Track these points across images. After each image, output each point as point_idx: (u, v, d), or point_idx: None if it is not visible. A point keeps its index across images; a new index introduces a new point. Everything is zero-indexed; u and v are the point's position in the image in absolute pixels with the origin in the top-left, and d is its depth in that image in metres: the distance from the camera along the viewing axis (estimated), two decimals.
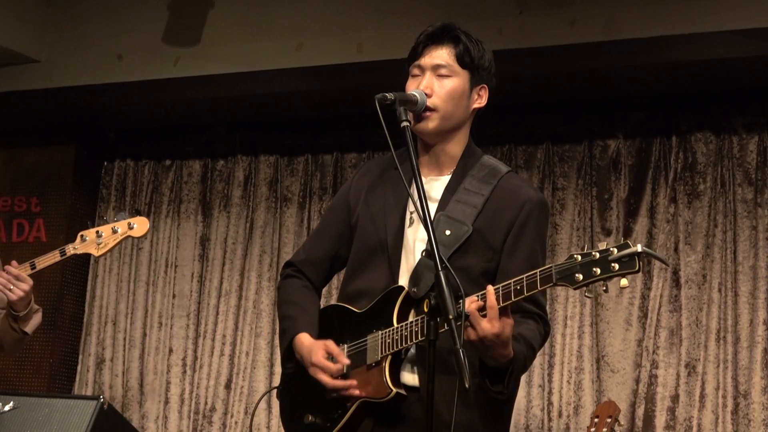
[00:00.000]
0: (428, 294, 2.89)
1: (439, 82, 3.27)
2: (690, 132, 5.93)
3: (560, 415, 5.86)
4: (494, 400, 3.13)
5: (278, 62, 6.19)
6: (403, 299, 3.16)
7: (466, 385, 2.66)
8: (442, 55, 3.30)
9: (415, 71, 3.34)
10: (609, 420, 4.83)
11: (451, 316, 2.74)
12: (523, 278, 2.87)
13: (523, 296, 2.88)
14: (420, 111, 3.22)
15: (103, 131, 7.26)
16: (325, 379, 3.19)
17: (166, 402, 6.79)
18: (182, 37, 6.45)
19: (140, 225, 4.24)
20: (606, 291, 2.78)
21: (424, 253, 3.14)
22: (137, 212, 4.25)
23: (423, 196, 2.96)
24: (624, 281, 2.70)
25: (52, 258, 4.45)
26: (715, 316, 5.69)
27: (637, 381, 5.78)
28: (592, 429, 4.85)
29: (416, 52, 3.35)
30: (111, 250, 4.32)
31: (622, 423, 5.01)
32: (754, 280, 5.66)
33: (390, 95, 3.10)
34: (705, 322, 5.71)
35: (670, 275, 5.82)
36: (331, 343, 3.25)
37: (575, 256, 2.76)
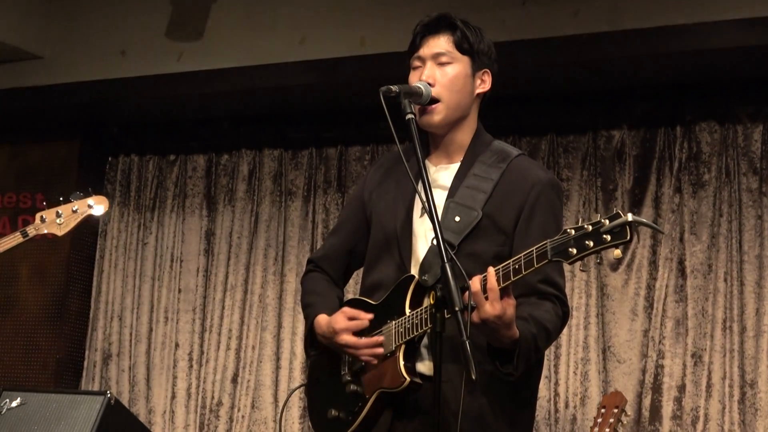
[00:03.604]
0: (436, 285, 2.89)
1: (440, 71, 3.28)
2: (694, 122, 5.93)
3: (567, 406, 5.86)
4: (512, 389, 3.12)
5: (281, 56, 6.19)
6: (414, 288, 3.17)
7: (473, 377, 2.67)
8: (440, 44, 3.30)
9: (416, 63, 3.34)
10: (616, 410, 4.83)
11: (457, 308, 2.74)
12: (520, 257, 2.87)
13: (521, 275, 2.86)
14: (425, 103, 3.23)
15: (107, 127, 7.26)
16: (351, 340, 3.21)
17: (173, 396, 6.80)
18: (185, 31, 6.45)
19: (99, 203, 4.25)
20: (600, 263, 2.79)
21: (433, 242, 3.13)
22: (95, 191, 4.24)
23: (429, 189, 2.96)
24: (617, 251, 2.70)
25: (13, 240, 4.44)
26: (720, 306, 5.69)
27: (644, 371, 5.78)
28: (599, 419, 4.85)
29: (415, 44, 3.36)
30: (73, 229, 4.31)
31: (629, 413, 5.01)
32: (760, 269, 5.66)
33: (394, 88, 3.10)
34: (711, 311, 5.70)
35: (676, 265, 5.82)
36: (347, 308, 3.27)
37: (569, 230, 2.76)
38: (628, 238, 2.66)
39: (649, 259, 5.89)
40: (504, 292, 2.89)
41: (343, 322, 3.24)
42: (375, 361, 3.20)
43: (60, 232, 4.30)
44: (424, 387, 3.13)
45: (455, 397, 2.99)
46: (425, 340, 3.17)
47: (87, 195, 4.24)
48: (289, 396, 6.48)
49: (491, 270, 2.89)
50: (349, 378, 3.28)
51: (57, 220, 4.26)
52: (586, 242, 2.72)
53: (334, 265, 3.56)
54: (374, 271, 3.37)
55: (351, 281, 3.78)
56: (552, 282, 3.17)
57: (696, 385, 5.67)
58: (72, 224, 4.29)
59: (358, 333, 3.25)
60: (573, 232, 2.75)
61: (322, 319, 3.33)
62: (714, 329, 5.68)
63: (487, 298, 2.88)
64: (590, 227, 2.72)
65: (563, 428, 5.85)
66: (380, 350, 3.17)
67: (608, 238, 2.69)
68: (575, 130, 6.17)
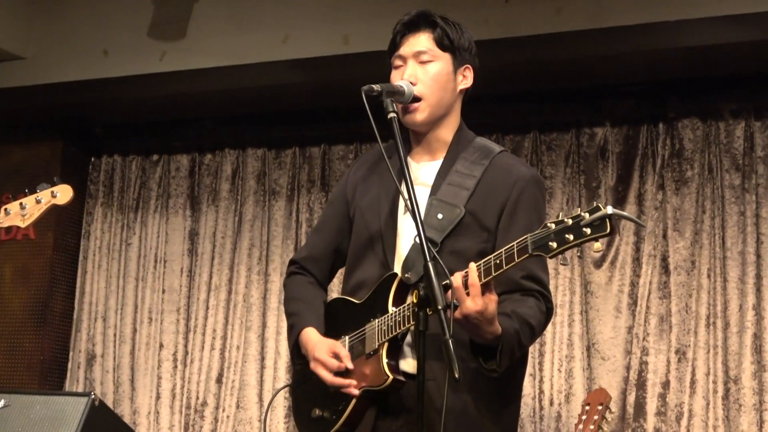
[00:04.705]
0: (418, 283, 2.89)
1: (422, 69, 3.28)
2: (677, 119, 5.94)
3: (551, 403, 5.87)
4: (496, 386, 3.13)
5: (264, 55, 6.18)
6: (397, 285, 3.17)
7: (456, 375, 2.67)
8: (421, 42, 3.30)
9: (397, 62, 3.34)
10: (600, 407, 4.84)
11: (439, 306, 2.74)
12: (501, 252, 2.87)
13: (503, 270, 2.86)
14: (407, 101, 3.22)
15: (90, 127, 7.24)
16: (324, 375, 3.22)
17: (158, 397, 6.79)
18: (168, 31, 6.43)
19: (63, 193, 4.21)
20: (581, 257, 2.79)
21: (416, 239, 3.13)
22: (59, 181, 4.20)
23: (411, 187, 2.96)
24: (597, 244, 2.70)
25: None
26: (704, 302, 5.70)
27: (628, 368, 5.79)
28: (584, 417, 4.86)
29: (395, 43, 3.36)
30: (37, 220, 4.28)
31: (614, 410, 5.02)
32: (743, 266, 5.68)
33: (377, 87, 3.10)
34: (694, 308, 5.72)
35: (659, 262, 5.83)
36: (337, 345, 3.27)
37: (549, 224, 2.76)
38: (608, 231, 2.67)
39: (632, 256, 5.90)
40: (485, 288, 2.89)
41: (323, 354, 3.25)
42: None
43: (23, 224, 4.26)
44: (407, 385, 3.13)
45: (439, 394, 3.00)
46: (409, 338, 3.17)
47: (51, 185, 4.20)
48: (274, 396, 6.47)
49: (472, 266, 2.90)
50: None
51: (21, 212, 4.22)
52: (566, 236, 2.73)
53: (317, 266, 3.55)
54: (358, 270, 3.37)
55: (335, 279, 3.77)
56: (535, 278, 3.18)
57: (680, 382, 5.68)
58: (36, 214, 4.25)
59: (341, 331, 3.26)
60: (553, 226, 2.75)
61: (312, 334, 3.33)
62: (698, 325, 5.70)
63: (468, 294, 2.88)
64: (570, 221, 2.72)
65: (548, 426, 5.86)
66: (355, 392, 3.19)
67: (588, 231, 2.69)
68: (558, 127, 6.18)
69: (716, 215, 5.76)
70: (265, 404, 6.47)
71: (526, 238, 2.80)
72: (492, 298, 2.90)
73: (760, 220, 5.69)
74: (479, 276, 2.88)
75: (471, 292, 2.87)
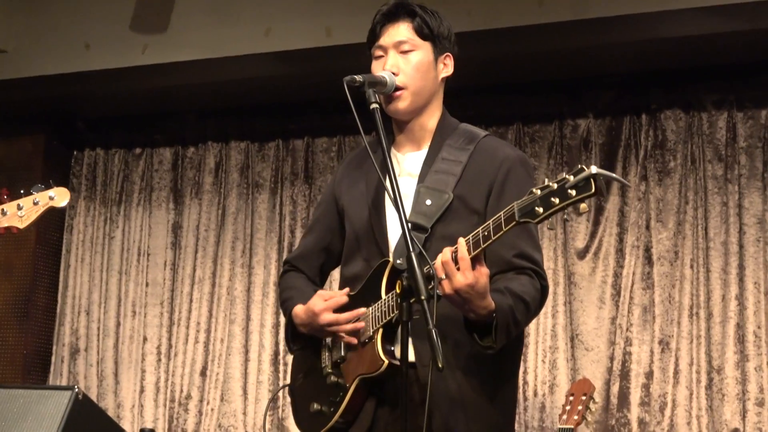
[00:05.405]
0: (402, 274, 2.88)
1: (403, 59, 3.27)
2: (660, 110, 5.96)
3: (535, 394, 5.88)
4: (492, 368, 3.12)
5: (247, 48, 6.17)
6: (390, 272, 3.16)
7: (440, 365, 2.66)
8: (401, 31, 3.30)
9: (378, 53, 3.33)
10: (584, 398, 4.86)
11: (423, 297, 2.74)
12: (489, 223, 2.86)
13: (491, 240, 2.84)
14: (389, 92, 3.22)
15: (72, 121, 7.21)
16: (331, 317, 3.21)
17: (142, 390, 6.78)
18: (150, 24, 6.41)
19: (60, 195, 4.22)
20: (567, 220, 2.77)
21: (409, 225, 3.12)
22: (55, 183, 4.21)
23: (394, 178, 2.96)
24: (583, 205, 2.70)
25: None
26: (687, 293, 5.72)
27: (612, 358, 5.81)
28: (567, 407, 4.88)
29: (375, 34, 3.35)
30: (34, 221, 4.28)
31: (597, 400, 5.03)
32: (726, 256, 5.69)
33: (358, 77, 3.09)
34: (678, 298, 5.74)
35: (642, 253, 5.85)
36: (323, 291, 3.28)
37: (534, 191, 2.75)
38: (593, 191, 2.66)
39: (615, 246, 5.91)
40: (476, 262, 2.88)
41: (321, 303, 3.24)
42: (355, 340, 3.19)
43: (22, 225, 4.26)
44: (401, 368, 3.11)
45: (439, 378, 2.98)
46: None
47: (48, 187, 4.20)
48: (274, 395, 6.44)
49: (461, 240, 2.88)
50: (329, 370, 3.26)
51: (18, 213, 4.22)
52: (552, 200, 2.71)
53: (309, 264, 3.55)
54: (351, 264, 3.37)
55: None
56: (527, 256, 3.17)
57: (663, 372, 5.70)
58: (33, 216, 4.25)
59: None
60: (539, 191, 2.74)
61: (299, 308, 3.32)
62: (681, 316, 5.71)
63: (459, 269, 2.87)
64: (555, 185, 2.72)
65: (532, 416, 5.87)
66: (361, 324, 3.17)
67: (573, 193, 2.68)
68: (541, 119, 6.18)
69: (699, 206, 5.78)
70: (249, 397, 6.46)
71: (513, 206, 2.79)
72: (483, 272, 2.88)
73: (743, 210, 5.71)
74: (468, 250, 2.87)
75: (461, 266, 2.86)
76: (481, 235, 2.86)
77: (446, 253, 2.89)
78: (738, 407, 5.52)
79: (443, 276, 2.88)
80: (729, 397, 5.55)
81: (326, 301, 3.24)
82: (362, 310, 3.19)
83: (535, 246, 3.21)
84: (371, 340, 3.15)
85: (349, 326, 3.19)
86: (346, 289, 3.26)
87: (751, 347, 5.56)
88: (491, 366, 3.13)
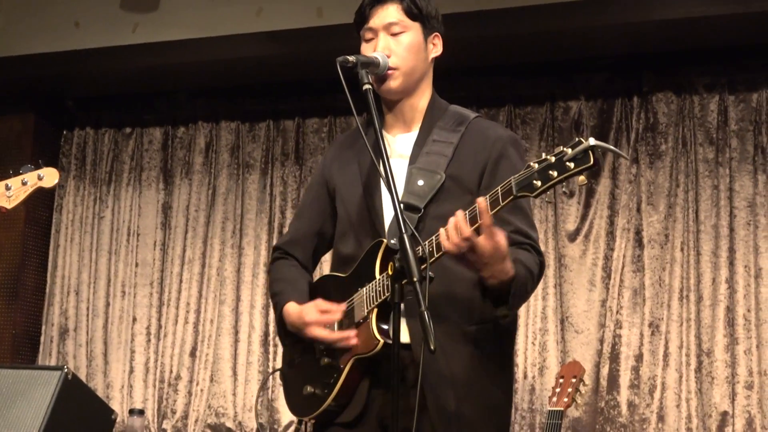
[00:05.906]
0: (394, 255, 2.86)
1: (394, 41, 3.26)
2: (651, 92, 5.95)
3: (525, 376, 5.89)
4: (489, 349, 3.11)
5: (238, 27, 6.15)
6: (383, 252, 3.14)
7: (431, 347, 2.65)
8: (390, 13, 3.28)
9: (368, 35, 3.31)
10: (574, 380, 4.87)
11: (415, 279, 2.73)
12: (486, 197, 2.85)
13: (489, 215, 2.83)
14: (382, 73, 3.21)
15: (61, 100, 7.19)
16: (322, 334, 3.18)
17: (131, 371, 6.77)
18: (140, 3, 6.38)
19: (49, 175, 4.21)
20: (567, 194, 2.75)
21: (402, 206, 3.10)
22: (44, 163, 4.20)
23: (386, 159, 2.95)
24: (581, 178, 2.69)
25: None
26: (677, 276, 5.73)
27: (601, 341, 5.82)
28: (558, 389, 4.89)
29: (364, 16, 3.33)
30: (22, 201, 4.27)
31: (587, 383, 5.04)
32: (716, 239, 5.70)
33: (351, 58, 3.08)
34: (668, 281, 5.75)
35: (633, 235, 5.85)
36: (320, 301, 3.24)
37: (532, 164, 2.74)
38: (591, 163, 2.65)
39: (606, 229, 5.91)
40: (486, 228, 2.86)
41: (313, 315, 3.21)
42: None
43: (9, 205, 4.24)
44: (402, 354, 3.09)
45: (431, 361, 2.98)
46: (402, 307, 3.13)
47: (37, 167, 4.19)
48: (265, 380, 6.43)
49: (481, 200, 2.84)
50: (323, 352, 3.24)
51: (6, 193, 4.20)
52: (550, 172, 2.70)
53: (301, 249, 3.51)
54: (344, 245, 3.35)
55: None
56: (524, 233, 3.16)
57: (653, 355, 5.71)
58: (21, 196, 4.23)
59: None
60: (536, 165, 2.73)
61: (291, 307, 3.29)
62: (671, 299, 5.72)
63: (480, 234, 2.85)
64: (553, 158, 2.71)
65: (522, 398, 5.88)
66: (354, 341, 3.14)
67: (572, 165, 2.67)
68: (533, 101, 6.18)
69: (690, 189, 5.78)
70: (239, 378, 6.46)
71: (510, 180, 2.78)
72: (501, 234, 2.87)
73: (734, 193, 5.71)
74: (467, 222, 2.86)
75: (485, 232, 2.84)
76: (477, 210, 2.85)
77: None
78: (727, 390, 5.54)
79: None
80: (718, 380, 5.56)
81: (320, 313, 3.20)
82: (353, 332, 3.15)
83: (530, 224, 3.21)
84: (366, 320, 3.13)
85: (340, 345, 3.17)
86: (342, 307, 3.21)
87: (740, 330, 5.58)
88: (486, 346, 3.13)
